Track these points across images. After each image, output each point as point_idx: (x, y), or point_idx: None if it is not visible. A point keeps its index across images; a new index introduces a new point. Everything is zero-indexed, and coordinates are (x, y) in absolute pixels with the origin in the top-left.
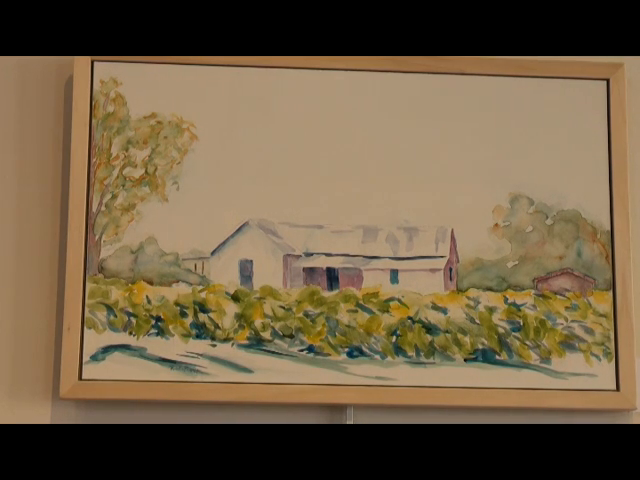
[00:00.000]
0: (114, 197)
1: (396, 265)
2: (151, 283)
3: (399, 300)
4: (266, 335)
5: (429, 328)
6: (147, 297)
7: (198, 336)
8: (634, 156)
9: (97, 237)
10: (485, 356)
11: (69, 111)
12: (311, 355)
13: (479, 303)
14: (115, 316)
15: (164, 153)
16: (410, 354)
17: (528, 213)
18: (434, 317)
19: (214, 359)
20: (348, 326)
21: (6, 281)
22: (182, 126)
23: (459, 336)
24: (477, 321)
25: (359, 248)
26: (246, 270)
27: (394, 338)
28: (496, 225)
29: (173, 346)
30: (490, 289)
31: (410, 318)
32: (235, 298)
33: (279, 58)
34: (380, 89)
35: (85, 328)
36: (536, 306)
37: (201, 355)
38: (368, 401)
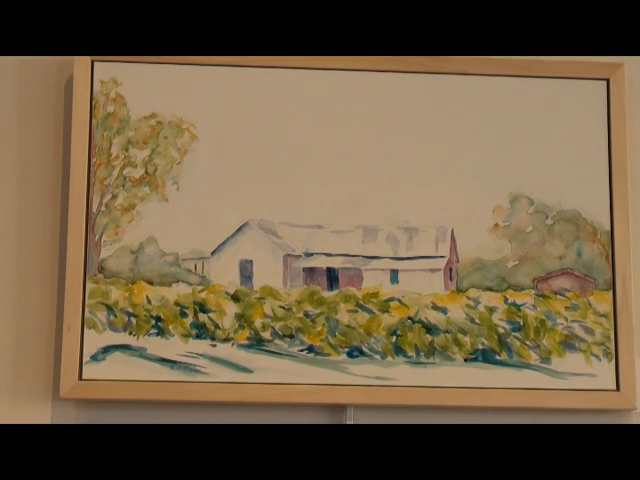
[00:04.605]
0: (114, 197)
1: (396, 265)
2: (151, 283)
3: (399, 300)
4: (266, 335)
5: (429, 328)
6: (147, 297)
7: (198, 336)
8: (634, 156)
9: (97, 237)
10: (485, 356)
11: (69, 111)
12: (311, 355)
13: (479, 303)
14: (115, 316)
15: (164, 153)
16: (410, 354)
17: (528, 213)
18: (434, 317)
19: (214, 359)
20: (348, 326)
21: (6, 281)
22: (182, 126)
23: (459, 336)
24: (477, 321)
25: (359, 248)
26: (246, 270)
27: (394, 338)
28: (496, 225)
29: (173, 346)
30: (490, 289)
31: (410, 318)
32: (235, 298)
33: (279, 58)
34: (380, 89)
35: (85, 328)
36: (536, 306)
37: (201, 355)
38: (368, 401)
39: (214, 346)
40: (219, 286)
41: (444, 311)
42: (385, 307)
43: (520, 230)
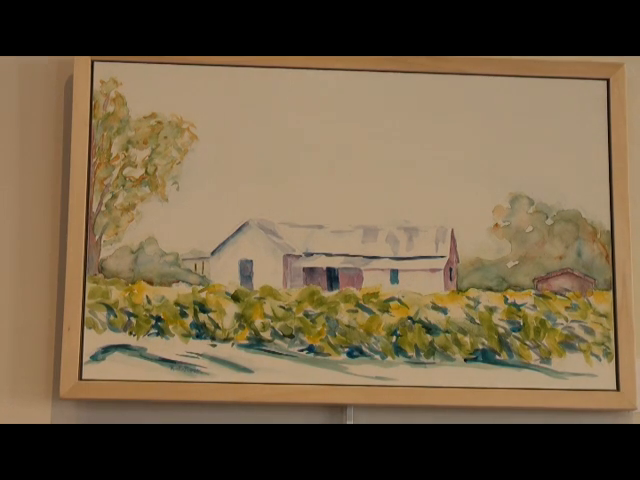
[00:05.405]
0: (114, 197)
1: (396, 265)
2: (151, 283)
3: (399, 300)
4: (266, 335)
5: (429, 328)
6: (147, 297)
7: (198, 336)
8: (634, 156)
9: (97, 237)
10: (485, 356)
11: (69, 111)
12: (311, 355)
13: (479, 303)
14: (115, 316)
15: (164, 153)
16: (410, 354)
17: (528, 213)
18: (434, 317)
19: (214, 359)
20: (348, 326)
21: (6, 281)
22: (182, 126)
23: (459, 336)
24: (477, 321)
25: (359, 248)
26: (246, 270)
27: (394, 338)
28: (496, 225)
29: (173, 346)
30: (490, 289)
31: (410, 318)
32: (235, 298)
33: (279, 58)
34: (380, 89)
35: (85, 328)
36: (536, 306)
37: (201, 355)
38: (368, 401)
39: (214, 346)
40: (219, 286)
41: (444, 311)
42: (385, 307)
43: (520, 230)
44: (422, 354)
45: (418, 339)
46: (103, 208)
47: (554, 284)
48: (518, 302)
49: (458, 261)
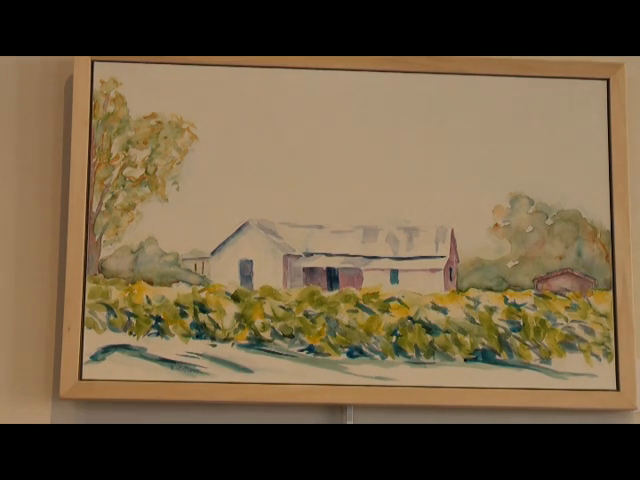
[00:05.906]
0: (114, 197)
1: (396, 265)
2: (151, 283)
3: (399, 300)
4: (266, 335)
5: (429, 328)
6: (147, 297)
7: (198, 336)
8: (634, 156)
9: (97, 237)
10: (485, 356)
11: (69, 111)
12: (311, 355)
13: (479, 303)
14: (115, 316)
15: (164, 153)
16: (410, 354)
17: (528, 213)
18: (434, 317)
19: (214, 359)
20: (348, 326)
21: (6, 281)
22: (182, 126)
23: (459, 336)
24: (477, 321)
25: (359, 248)
26: (246, 270)
27: (394, 338)
28: (496, 225)
29: (173, 346)
30: (490, 289)
31: (410, 318)
32: (235, 298)
33: (279, 58)
34: (380, 89)
35: (85, 328)
36: (536, 306)
37: (201, 355)
38: (368, 401)
39: (214, 346)
40: (219, 286)
41: (444, 311)
42: (385, 307)
43: (520, 230)
44: (422, 354)
45: (418, 339)
46: (103, 208)
47: (554, 284)
48: (518, 302)
49: (458, 261)
